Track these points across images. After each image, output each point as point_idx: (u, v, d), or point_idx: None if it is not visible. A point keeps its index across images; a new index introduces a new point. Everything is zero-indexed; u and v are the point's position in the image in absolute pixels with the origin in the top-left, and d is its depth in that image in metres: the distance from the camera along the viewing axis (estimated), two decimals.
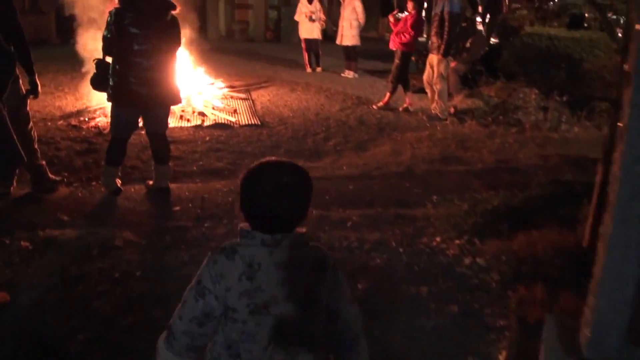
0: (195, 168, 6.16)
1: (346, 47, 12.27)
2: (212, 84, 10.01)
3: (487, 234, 4.26)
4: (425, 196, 5.35)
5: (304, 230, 1.71)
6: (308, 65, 13.01)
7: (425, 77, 8.75)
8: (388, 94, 9.26)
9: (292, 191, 1.64)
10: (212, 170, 6.10)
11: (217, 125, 7.86)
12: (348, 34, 12.04)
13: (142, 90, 4.77)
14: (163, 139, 5.21)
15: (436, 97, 8.58)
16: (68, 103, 8.91)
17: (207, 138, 7.27)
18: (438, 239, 4.27)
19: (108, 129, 6.55)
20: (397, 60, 9.03)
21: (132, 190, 5.36)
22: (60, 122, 7.79)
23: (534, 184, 5.39)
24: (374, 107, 9.30)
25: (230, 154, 6.67)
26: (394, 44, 9.12)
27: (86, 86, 9.04)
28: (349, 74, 12.35)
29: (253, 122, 8.06)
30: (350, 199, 5.24)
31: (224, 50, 16.33)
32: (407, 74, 9.33)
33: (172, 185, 5.43)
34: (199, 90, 9.41)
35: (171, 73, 4.96)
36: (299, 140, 7.30)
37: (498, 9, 13.71)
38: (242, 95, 9.79)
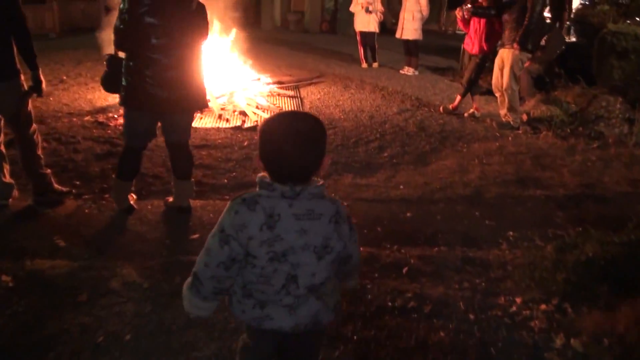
0: (226, 180, 5.31)
1: (407, 42, 11.24)
2: (258, 79, 9.15)
3: (581, 298, 3.25)
4: (498, 231, 4.36)
5: (321, 182, 1.76)
6: (364, 60, 12.04)
7: (494, 80, 7.65)
8: (458, 97, 8.19)
9: (306, 138, 1.69)
10: (246, 184, 5.24)
11: (256, 128, 6.99)
12: (409, 27, 11.00)
13: (161, 92, 3.93)
14: (185, 150, 4.38)
15: (507, 101, 7.47)
16: (101, 96, 8.21)
17: (246, 143, 6.42)
18: (518, 300, 3.29)
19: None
20: (477, 61, 7.89)
21: (149, 207, 4.55)
22: (87, 117, 7.11)
23: (632, 225, 4.29)
24: (441, 110, 8.25)
25: None
26: (473, 47, 7.85)
27: None
28: (408, 70, 11.32)
29: None
30: (407, 232, 4.30)
31: (276, 42, 15.55)
32: (479, 76, 8.26)
33: (196, 203, 4.61)
34: (243, 86, 8.58)
35: (196, 72, 4.10)
36: (349, 149, 6.36)
37: (563, 5, 12.24)
38: (291, 93, 8.91)
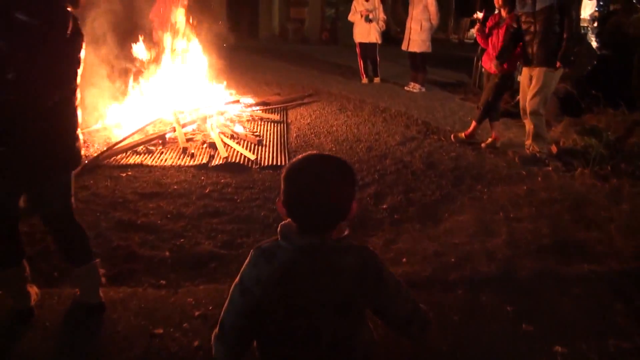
0: (168, 253, 3.96)
1: (413, 55, 9.89)
2: (237, 101, 7.81)
3: None
4: (541, 341, 3.01)
5: (347, 231, 1.68)
6: (364, 75, 10.73)
7: (522, 102, 6.29)
8: (474, 124, 6.82)
9: (331, 182, 1.61)
10: (194, 257, 3.92)
11: (228, 166, 5.67)
12: (417, 39, 9.65)
13: (17, 152, 2.58)
14: (70, 224, 3.05)
15: (531, 129, 6.14)
16: None
17: (208, 189, 5.08)
18: None
19: (80, 166, 4.76)
20: (495, 80, 6.53)
21: (55, 301, 3.22)
22: None
23: None
24: (452, 138, 6.90)
25: (231, 223, 4.46)
26: (492, 65, 6.50)
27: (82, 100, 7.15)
28: (414, 87, 9.98)
29: (278, 163, 5.80)
30: (407, 353, 2.91)
31: (272, 53, 14.32)
32: (500, 100, 6.89)
33: (115, 294, 3.29)
34: (218, 110, 7.26)
35: (69, 119, 2.77)
36: None
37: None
38: (275, 117, 7.57)
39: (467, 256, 3.98)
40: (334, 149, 6.43)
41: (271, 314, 1.63)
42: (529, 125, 6.19)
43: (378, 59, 10.69)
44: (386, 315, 1.74)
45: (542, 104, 5.98)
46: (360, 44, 10.50)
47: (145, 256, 3.90)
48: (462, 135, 6.89)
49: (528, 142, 6.23)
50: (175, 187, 5.13)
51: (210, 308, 3.24)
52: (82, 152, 3.09)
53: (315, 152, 1.70)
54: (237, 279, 1.69)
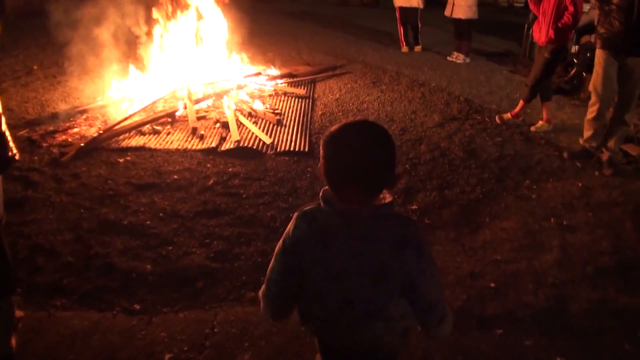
0: (149, 266, 3.36)
1: (458, 21, 8.94)
2: (259, 73, 7.10)
3: None
4: None
5: (388, 198, 1.59)
6: (404, 43, 9.84)
7: (592, 84, 5.01)
8: (521, 103, 5.95)
9: (372, 152, 1.52)
10: (180, 272, 3.31)
11: (239, 151, 5.01)
12: (462, 4, 8.70)
13: None
14: None
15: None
16: (57, 97, 6.39)
17: (211, 181, 4.44)
18: None
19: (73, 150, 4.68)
20: (545, 55, 5.63)
21: None
22: (22, 132, 5.27)
23: None
24: (497, 120, 6.07)
25: (232, 225, 3.83)
26: (540, 35, 5.64)
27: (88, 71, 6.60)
28: (457, 57, 9.06)
29: (297, 148, 5.12)
30: None
31: (309, 16, 13.53)
32: (551, 77, 6.01)
33: (79, 324, 2.69)
34: (240, 83, 6.59)
35: None
36: None
37: None
38: (301, 92, 6.84)
39: (510, 280, 3.26)
40: None
41: (308, 277, 1.62)
42: (595, 115, 4.98)
43: (420, 24, 9.78)
44: (414, 294, 1.62)
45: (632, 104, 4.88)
46: (401, 8, 9.59)
47: (124, 269, 3.30)
48: (509, 115, 6.05)
49: (588, 133, 5.11)
50: (175, 176, 4.50)
51: (185, 349, 2.63)
52: (14, 152, 2.45)
53: (356, 119, 1.61)
54: (282, 238, 1.67)
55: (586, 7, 7.22)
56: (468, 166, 4.90)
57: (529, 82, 5.84)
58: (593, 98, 4.96)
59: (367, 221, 1.56)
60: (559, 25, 5.37)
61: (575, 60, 7.53)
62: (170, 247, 3.53)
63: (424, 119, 6.12)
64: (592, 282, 3.26)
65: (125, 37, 6.65)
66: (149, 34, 6.76)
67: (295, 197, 4.22)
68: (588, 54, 7.10)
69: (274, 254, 1.70)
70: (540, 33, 5.59)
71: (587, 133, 5.12)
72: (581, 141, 5.19)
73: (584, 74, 7.35)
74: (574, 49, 7.85)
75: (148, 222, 3.82)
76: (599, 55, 4.81)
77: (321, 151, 1.58)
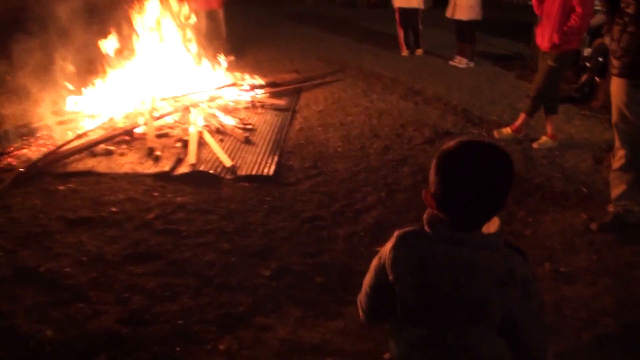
0: (50, 331, 2.79)
1: (459, 23, 8.29)
2: (234, 84, 6.52)
3: None
4: None
5: (497, 225, 1.50)
6: (404, 47, 9.24)
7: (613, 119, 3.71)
8: (523, 116, 5.28)
9: (488, 177, 1.43)
10: (83, 340, 2.75)
11: (194, 176, 4.44)
12: (464, 4, 8.06)
13: None
14: None
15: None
16: (7, 113, 5.85)
17: (153, 214, 3.86)
18: None
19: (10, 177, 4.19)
20: (549, 62, 4.93)
21: None
22: None
23: None
24: (496, 135, 5.41)
25: (160, 274, 3.24)
26: (544, 41, 4.94)
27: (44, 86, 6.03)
28: (460, 62, 8.42)
29: (260, 172, 4.51)
30: None
31: (311, 17, 13.01)
32: (558, 88, 5.31)
33: None
34: (212, 94, 6.02)
35: None
36: (319, 232, 3.69)
37: None
38: (282, 103, 6.24)
39: None
40: (340, 148, 5.08)
41: (402, 299, 1.54)
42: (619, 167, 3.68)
43: (421, 27, 9.14)
44: (513, 336, 1.51)
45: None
46: (400, 9, 8.96)
47: (24, 335, 2.73)
48: (508, 130, 5.39)
49: (617, 190, 3.72)
50: (114, 209, 3.93)
51: None
52: None
53: (472, 139, 1.49)
54: (378, 254, 1.62)
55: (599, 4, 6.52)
56: None
57: (531, 93, 5.18)
58: (617, 142, 3.67)
59: (472, 250, 1.46)
60: (565, 28, 4.71)
61: (588, 65, 6.82)
62: (82, 305, 2.95)
63: (413, 134, 5.48)
64: (592, 356, 2.61)
65: (90, 47, 6.10)
66: (118, 42, 6.20)
67: (243, 235, 3.61)
68: (601, 58, 6.41)
69: (371, 266, 1.66)
70: (544, 37, 4.93)
71: (616, 191, 3.75)
72: (611, 208, 3.81)
73: (597, 80, 6.65)
74: (586, 51, 7.13)
75: (67, 270, 3.25)
76: (617, 84, 3.59)
77: (433, 175, 1.47)
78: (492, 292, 1.46)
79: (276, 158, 4.79)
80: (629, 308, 2.97)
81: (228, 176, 4.46)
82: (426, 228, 1.51)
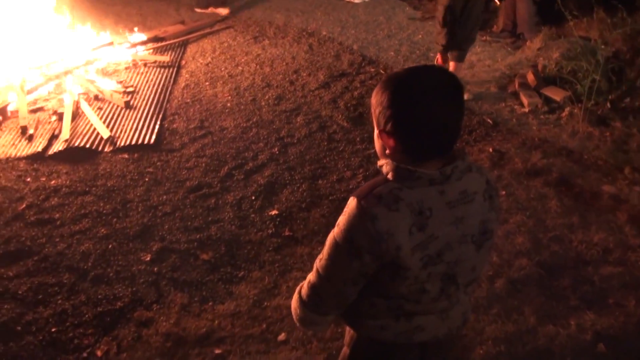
0: None
1: None
2: (111, 43, 5.99)
3: None
4: None
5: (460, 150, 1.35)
6: None
7: None
8: (439, 56, 4.93)
9: (455, 92, 1.27)
10: None
11: (70, 153, 4.03)
12: None
13: None
14: None
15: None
16: None
17: (25, 203, 3.48)
18: None
19: None
20: None
21: None
22: None
23: None
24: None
25: (32, 274, 2.91)
26: None
27: None
28: None
29: (139, 141, 4.15)
30: None
31: None
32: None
33: None
34: (93, 57, 5.51)
35: None
36: (206, 201, 3.42)
37: None
38: (165, 59, 5.79)
39: None
40: (229, 103, 4.76)
41: (405, 272, 1.28)
42: None
43: None
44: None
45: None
46: None
47: None
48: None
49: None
50: None
51: None
52: None
53: (418, 65, 1.42)
54: (337, 239, 1.28)
55: None
56: (351, 140, 4.07)
57: (439, 20, 4.72)
58: None
59: (457, 181, 1.31)
60: None
61: None
62: None
63: (307, 79, 5.22)
64: (504, 305, 2.51)
65: None
66: None
67: (123, 216, 3.30)
68: None
69: (329, 262, 1.34)
70: None
71: None
72: None
73: (497, 3, 6.54)
74: None
75: None
76: None
77: (390, 110, 1.26)
78: (487, 210, 1.38)
79: (158, 122, 4.42)
80: (545, 244, 2.89)
81: (107, 149, 4.08)
82: (396, 180, 1.27)
